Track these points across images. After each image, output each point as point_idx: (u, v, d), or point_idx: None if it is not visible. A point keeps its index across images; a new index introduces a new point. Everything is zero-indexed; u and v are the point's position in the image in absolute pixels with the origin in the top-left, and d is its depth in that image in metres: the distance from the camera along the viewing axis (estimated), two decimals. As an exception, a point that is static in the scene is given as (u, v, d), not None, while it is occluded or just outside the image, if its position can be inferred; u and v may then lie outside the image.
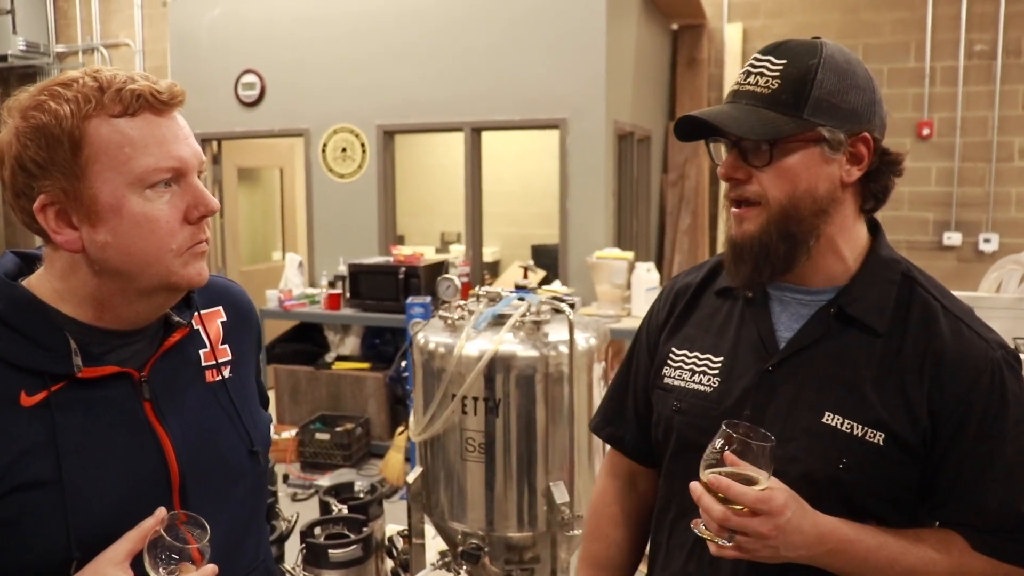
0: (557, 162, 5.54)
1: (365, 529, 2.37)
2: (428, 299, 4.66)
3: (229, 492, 1.11)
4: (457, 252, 6.56)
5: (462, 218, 5.93)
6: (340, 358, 5.54)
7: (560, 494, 2.13)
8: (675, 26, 7.29)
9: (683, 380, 1.28)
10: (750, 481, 1.04)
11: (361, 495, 2.66)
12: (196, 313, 1.13)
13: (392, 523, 2.79)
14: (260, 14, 6.10)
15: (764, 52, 1.17)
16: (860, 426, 1.13)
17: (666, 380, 1.31)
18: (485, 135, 5.80)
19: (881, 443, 1.12)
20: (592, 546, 1.47)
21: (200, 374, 1.12)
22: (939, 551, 1.12)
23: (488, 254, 7.34)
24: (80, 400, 1.00)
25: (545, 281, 5.88)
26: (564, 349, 2.22)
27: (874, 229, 1.24)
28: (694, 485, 1.07)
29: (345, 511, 2.53)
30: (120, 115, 0.97)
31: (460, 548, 2.18)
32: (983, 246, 6.55)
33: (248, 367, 1.21)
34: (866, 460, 1.12)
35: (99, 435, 1.00)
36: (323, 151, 6.01)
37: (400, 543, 2.51)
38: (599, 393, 2.28)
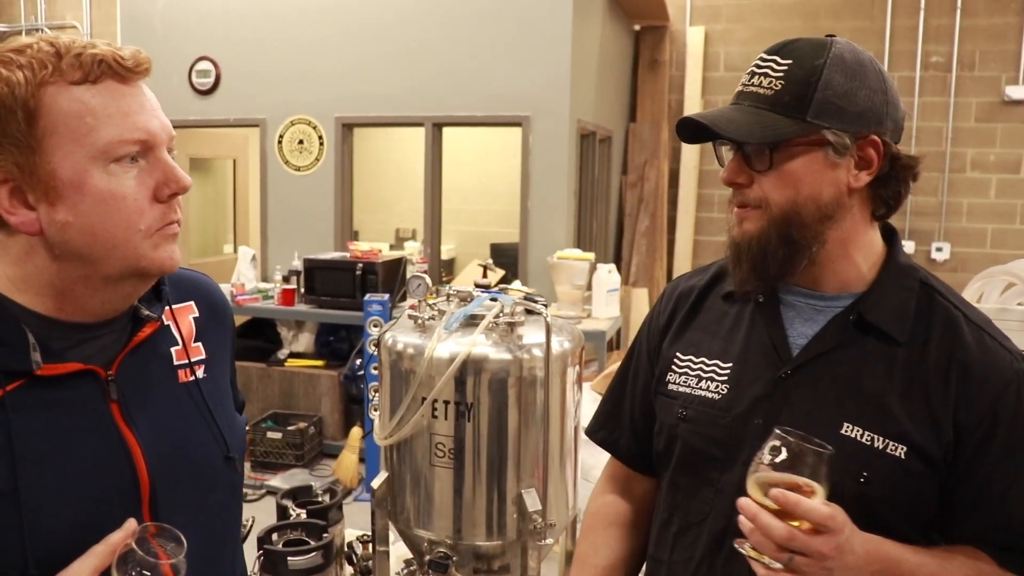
0: (514, 160, 5.48)
1: (326, 535, 2.27)
2: (386, 296, 4.56)
3: (203, 502, 1.02)
4: (412, 249, 6.47)
5: (417, 214, 5.84)
6: (293, 355, 5.42)
7: (532, 501, 2.06)
8: (637, 27, 7.29)
9: (689, 386, 1.23)
10: (804, 492, 0.97)
11: (320, 499, 2.56)
12: (167, 307, 1.03)
13: (349, 527, 2.70)
14: (215, 2, 5.93)
15: (770, 52, 1.13)
16: (882, 438, 1.09)
17: (670, 386, 1.25)
18: (444, 132, 5.72)
19: (903, 456, 1.08)
20: (582, 546, 1.41)
21: (172, 373, 1.03)
22: (971, 568, 1.09)
23: (444, 252, 7.25)
24: (39, 401, 0.90)
25: (504, 280, 5.82)
26: (538, 352, 2.15)
27: (890, 236, 1.20)
28: (746, 502, 0.99)
29: (304, 516, 2.43)
30: (80, 82, 0.88)
31: (427, 557, 2.10)
32: (935, 255, 6.66)
33: (223, 367, 1.12)
34: (888, 474, 1.08)
35: (60, 440, 0.90)
36: (279, 142, 5.86)
37: (360, 549, 2.42)
38: (573, 398, 2.22)
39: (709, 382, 1.22)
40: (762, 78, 1.11)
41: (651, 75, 7.31)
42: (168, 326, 1.04)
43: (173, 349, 1.04)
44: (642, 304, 6.70)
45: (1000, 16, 6.52)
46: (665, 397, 1.27)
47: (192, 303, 1.10)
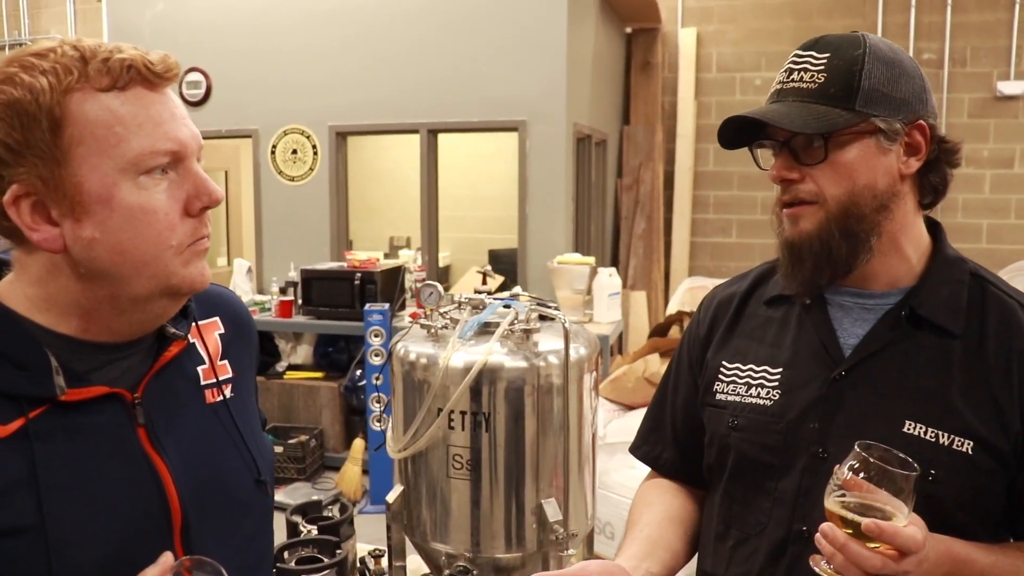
0: (507, 166, 5.45)
1: (339, 551, 2.23)
2: (386, 306, 4.52)
3: (236, 530, 0.97)
4: (407, 257, 6.42)
5: (410, 222, 5.80)
6: (292, 367, 5.37)
7: (553, 511, 2.02)
8: (629, 29, 7.27)
9: (738, 395, 1.20)
10: (885, 515, 0.94)
11: (331, 514, 2.51)
12: (194, 324, 0.98)
13: (359, 542, 2.66)
14: (206, 10, 5.88)
15: (804, 48, 1.12)
16: (946, 434, 1.06)
17: (718, 396, 1.22)
18: (439, 138, 5.68)
19: (970, 451, 1.06)
20: (636, 509, 1.36)
21: (199, 394, 0.98)
22: None
23: (440, 259, 7.21)
24: (64, 427, 0.85)
25: (503, 287, 5.78)
26: (554, 359, 2.11)
27: (933, 227, 1.18)
28: (831, 529, 0.95)
29: (315, 532, 2.38)
30: (108, 89, 0.83)
31: (446, 571, 2.05)
32: (932, 251, 6.66)
33: (249, 385, 1.06)
34: (956, 470, 1.06)
35: (87, 468, 0.85)
36: (272, 152, 5.81)
37: (372, 564, 2.37)
38: (590, 405, 2.18)
39: (759, 389, 1.19)
40: (802, 73, 1.09)
41: (644, 77, 7.29)
42: (194, 344, 1.00)
43: (200, 368, 1.00)
44: (641, 307, 6.67)
45: (991, 12, 6.53)
46: (713, 407, 1.24)
47: (217, 319, 1.05)
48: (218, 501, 0.96)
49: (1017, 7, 6.45)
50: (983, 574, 1.04)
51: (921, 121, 1.10)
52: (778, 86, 1.13)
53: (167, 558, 0.84)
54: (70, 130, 0.82)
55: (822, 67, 1.08)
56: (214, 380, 1.00)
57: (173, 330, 0.95)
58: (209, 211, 0.90)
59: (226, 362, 1.03)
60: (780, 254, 1.16)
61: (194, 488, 0.92)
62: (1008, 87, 6.48)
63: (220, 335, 1.04)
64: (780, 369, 1.19)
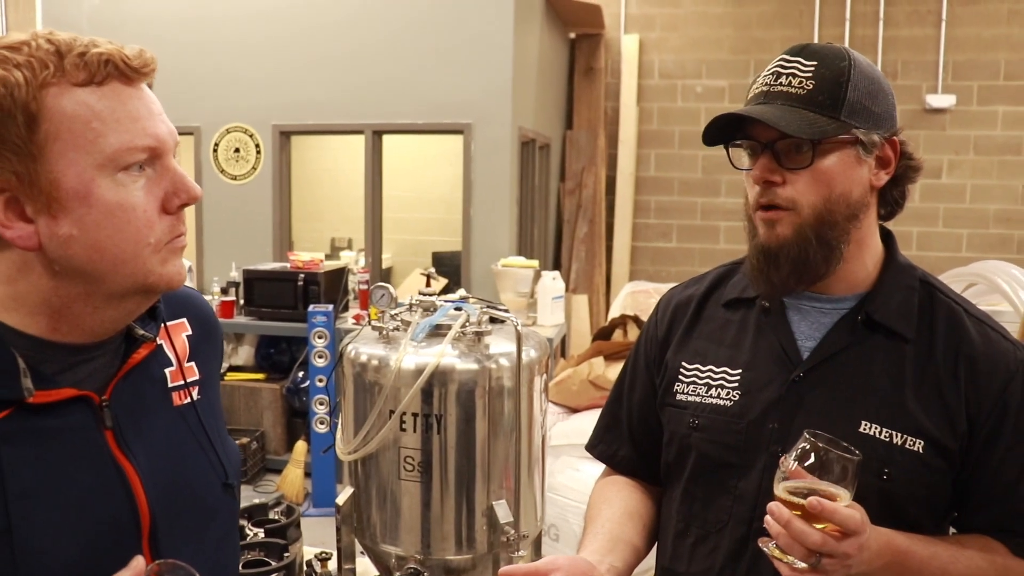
0: (450, 169, 5.46)
1: (286, 555, 2.21)
2: (330, 307, 4.49)
3: (204, 533, 0.96)
4: (348, 258, 6.37)
5: (352, 223, 5.75)
6: (233, 368, 5.28)
7: (504, 513, 2.04)
8: (573, 35, 7.34)
9: (699, 395, 1.23)
10: (831, 498, 0.98)
11: (276, 517, 2.48)
12: (163, 325, 0.97)
13: (308, 545, 2.63)
14: (147, 4, 5.76)
15: (792, 53, 1.14)
16: (899, 434, 1.11)
17: (679, 397, 1.25)
18: (384, 139, 5.66)
19: (921, 451, 1.10)
20: (595, 506, 1.37)
21: (166, 396, 0.96)
22: (983, 558, 1.12)
23: (382, 260, 7.17)
24: (30, 431, 0.82)
25: (447, 289, 5.78)
26: (505, 362, 2.13)
27: (886, 236, 1.23)
28: (778, 507, 1.00)
29: (261, 535, 2.36)
30: (84, 84, 0.81)
31: (396, 573, 2.06)
32: (864, 257, 6.86)
33: (215, 388, 1.05)
34: (908, 469, 1.10)
35: (54, 472, 0.83)
36: (215, 151, 5.72)
37: (319, 567, 2.36)
38: (540, 407, 2.21)
39: (719, 390, 1.22)
40: (791, 78, 1.11)
41: (587, 82, 7.37)
42: (161, 345, 0.98)
43: (167, 370, 0.98)
44: (582, 311, 6.73)
45: (920, 28, 6.77)
46: (674, 407, 1.27)
47: (185, 320, 1.03)
48: (186, 505, 0.94)
49: (944, 24, 6.70)
50: (922, 563, 1.08)
51: (895, 137, 1.15)
52: (764, 88, 1.14)
53: (139, 562, 0.82)
54: (46, 125, 0.80)
55: (810, 74, 1.10)
56: (182, 382, 0.99)
57: (142, 332, 0.93)
58: (185, 208, 0.90)
59: (193, 364, 1.02)
60: (752, 257, 1.18)
61: (162, 492, 0.91)
62: (936, 100, 6.73)
63: (188, 336, 1.03)
64: (740, 370, 1.22)
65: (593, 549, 1.25)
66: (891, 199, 1.19)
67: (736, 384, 1.21)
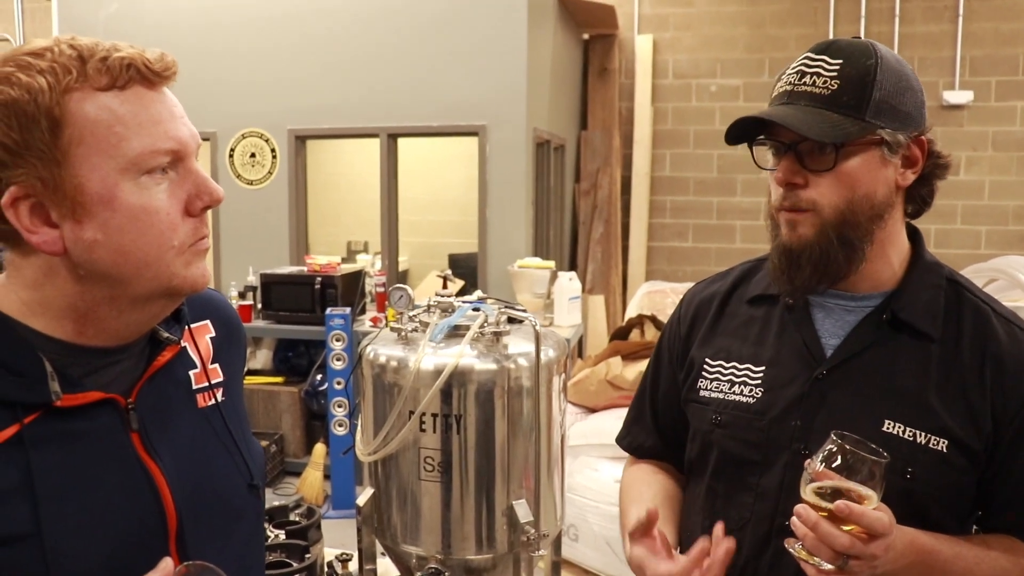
0: (465, 170, 5.46)
1: (308, 556, 2.22)
2: (348, 310, 4.50)
3: (230, 535, 0.96)
4: (364, 261, 6.39)
5: (367, 227, 5.76)
6: (251, 372, 5.30)
7: (524, 512, 2.04)
8: (587, 36, 7.34)
9: (722, 392, 1.23)
10: (859, 499, 0.98)
11: (298, 519, 2.50)
12: (187, 327, 0.97)
13: (327, 547, 2.64)
14: (162, 11, 5.79)
15: (817, 51, 1.13)
16: (924, 434, 1.10)
17: (702, 393, 1.25)
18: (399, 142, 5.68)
19: (945, 450, 1.10)
20: (633, 489, 1.37)
21: (191, 398, 0.97)
22: (1009, 559, 1.11)
23: (399, 263, 7.19)
24: (58, 434, 0.83)
25: (463, 291, 5.79)
26: (523, 362, 2.14)
27: (913, 233, 1.22)
28: (805, 509, 0.99)
29: (283, 537, 2.37)
30: (107, 88, 0.82)
31: (417, 573, 2.06)
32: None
33: (238, 389, 1.05)
34: (931, 468, 1.10)
35: (82, 475, 0.84)
36: (231, 156, 5.75)
37: (340, 568, 2.37)
38: (559, 406, 2.21)
39: (742, 386, 1.22)
40: (815, 77, 1.10)
41: (601, 83, 7.36)
42: (185, 348, 0.98)
43: (192, 372, 0.99)
44: (599, 311, 6.73)
45: (936, 24, 6.73)
46: (697, 404, 1.27)
47: (208, 322, 1.04)
48: (213, 506, 0.95)
49: (960, 19, 6.65)
50: (947, 564, 1.08)
51: (922, 136, 1.13)
52: (788, 87, 1.13)
53: (167, 564, 0.83)
54: (69, 130, 0.80)
55: (835, 73, 1.09)
56: (206, 384, 0.99)
57: (166, 334, 0.94)
58: (208, 211, 0.90)
59: (217, 366, 1.02)
60: (775, 257, 1.18)
61: (189, 493, 0.92)
62: (953, 96, 6.68)
63: (211, 338, 1.04)
64: (763, 367, 1.21)
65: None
66: (919, 197, 1.18)
67: (759, 381, 1.20)
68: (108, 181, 0.82)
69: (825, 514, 0.98)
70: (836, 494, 0.98)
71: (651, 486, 1.36)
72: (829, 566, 0.98)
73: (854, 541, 0.97)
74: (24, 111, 0.79)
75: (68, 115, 0.80)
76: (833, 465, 0.99)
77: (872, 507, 0.98)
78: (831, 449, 0.99)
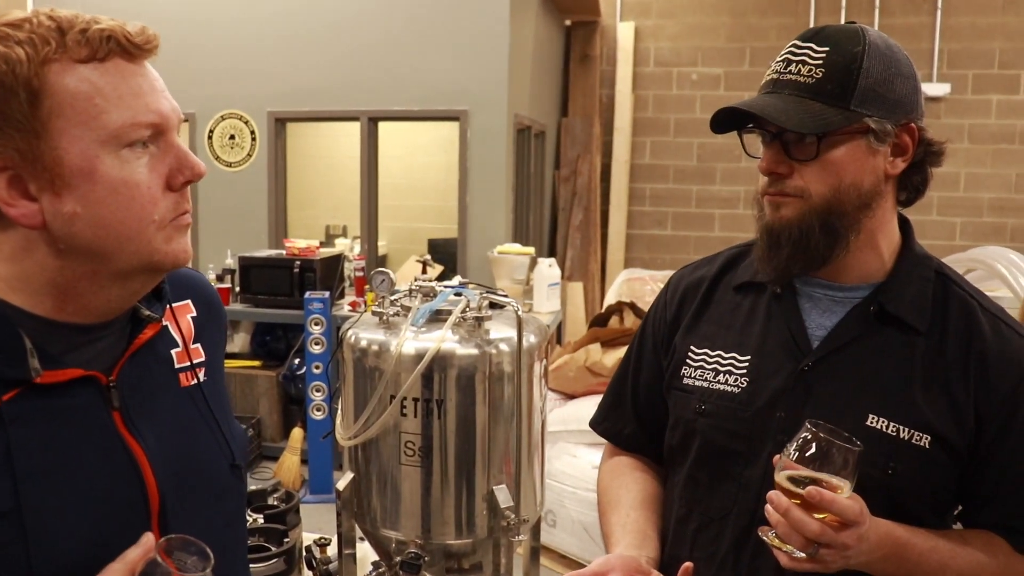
0: (444, 156, 5.45)
1: (286, 540, 2.22)
2: (327, 294, 4.48)
3: (213, 514, 0.96)
4: (343, 245, 6.37)
5: (346, 211, 5.74)
6: (229, 356, 5.27)
7: (504, 498, 2.05)
8: (568, 22, 7.32)
9: (706, 380, 1.22)
10: (831, 489, 0.98)
11: (276, 503, 2.49)
12: (168, 306, 0.96)
13: (305, 531, 2.64)
14: (140, -10, 5.72)
15: (804, 39, 1.11)
16: (907, 429, 1.09)
17: (685, 381, 1.24)
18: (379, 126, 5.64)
19: (927, 446, 1.09)
20: (612, 490, 1.37)
21: (173, 377, 0.96)
22: (986, 553, 1.11)
23: (378, 247, 7.16)
24: (38, 411, 0.82)
25: (443, 276, 5.79)
26: (505, 347, 2.13)
27: (903, 225, 1.21)
28: (777, 496, 1.00)
29: (261, 521, 2.36)
30: (86, 60, 0.80)
31: (396, 558, 2.06)
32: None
33: (220, 369, 1.05)
34: (914, 464, 1.09)
35: (62, 452, 0.83)
36: (209, 138, 5.70)
37: (318, 552, 2.37)
38: (540, 392, 2.21)
39: (727, 376, 1.20)
40: (800, 66, 1.09)
41: (582, 70, 7.35)
42: (167, 326, 0.97)
43: (173, 351, 0.98)
44: (578, 298, 6.74)
45: (915, 16, 6.78)
46: (680, 391, 1.26)
47: (189, 301, 1.03)
48: (195, 486, 0.94)
49: (939, 12, 6.70)
50: (922, 556, 1.08)
51: (911, 123, 1.11)
52: (774, 75, 1.12)
53: (148, 539, 0.82)
54: (49, 102, 0.79)
55: (820, 61, 1.08)
56: (188, 363, 0.98)
57: (148, 312, 0.93)
58: (189, 186, 0.89)
59: (199, 345, 1.02)
60: (759, 238, 1.17)
61: (171, 472, 0.91)
62: (931, 89, 6.74)
63: (192, 318, 1.03)
64: (748, 357, 1.20)
65: (627, 544, 1.26)
66: (911, 185, 1.16)
67: (744, 371, 1.19)
68: (88, 153, 0.81)
69: (798, 501, 0.98)
70: (811, 483, 0.98)
71: (630, 489, 1.35)
72: (801, 554, 0.98)
73: (825, 529, 0.97)
74: (2, 82, 0.78)
75: (47, 86, 0.79)
76: (807, 454, 0.99)
77: (845, 496, 0.98)
78: (805, 438, 0.99)
